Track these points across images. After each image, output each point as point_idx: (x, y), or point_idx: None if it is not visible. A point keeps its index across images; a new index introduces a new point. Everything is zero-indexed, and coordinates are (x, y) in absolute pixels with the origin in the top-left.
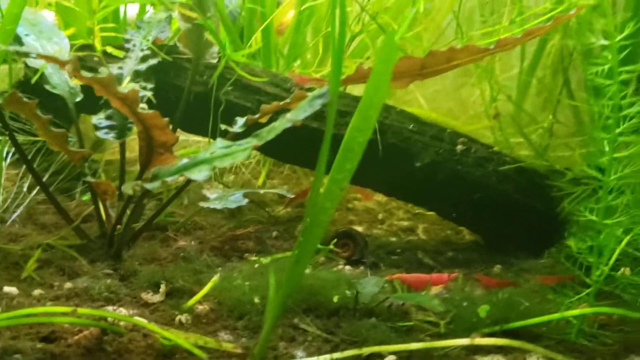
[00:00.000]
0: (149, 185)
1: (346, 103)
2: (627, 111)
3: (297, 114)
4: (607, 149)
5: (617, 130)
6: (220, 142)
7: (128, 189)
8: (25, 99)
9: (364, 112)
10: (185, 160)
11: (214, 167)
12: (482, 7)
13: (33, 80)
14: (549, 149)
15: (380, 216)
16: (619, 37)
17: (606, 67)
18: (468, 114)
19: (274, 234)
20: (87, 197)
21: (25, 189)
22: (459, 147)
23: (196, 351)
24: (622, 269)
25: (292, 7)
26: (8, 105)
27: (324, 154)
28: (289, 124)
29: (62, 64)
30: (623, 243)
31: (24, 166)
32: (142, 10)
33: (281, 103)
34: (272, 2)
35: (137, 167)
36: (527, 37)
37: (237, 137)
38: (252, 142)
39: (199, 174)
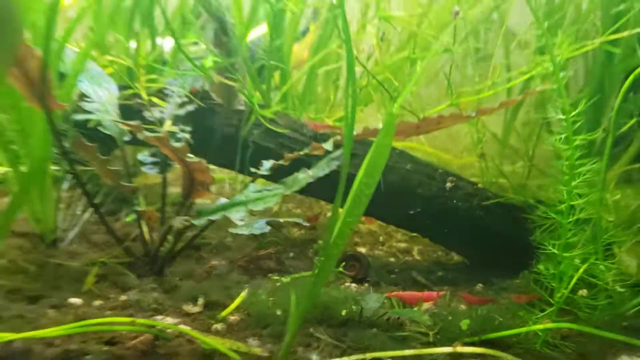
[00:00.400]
0: (195, 222)
1: (355, 147)
2: (580, 169)
3: (317, 172)
4: (565, 197)
5: (573, 184)
6: (252, 187)
7: (177, 222)
8: (87, 143)
9: (370, 171)
10: (223, 200)
11: (249, 209)
12: (474, 64)
13: (91, 125)
14: (531, 177)
15: (381, 238)
16: (573, 113)
17: (563, 136)
18: (459, 148)
19: (291, 254)
20: (130, 218)
21: (78, 211)
22: (448, 185)
23: (231, 354)
24: (580, 292)
25: (308, 47)
26: (73, 147)
27: (338, 199)
28: (310, 180)
29: (133, 127)
30: (580, 271)
31: (78, 190)
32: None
33: (301, 153)
34: (289, 49)
35: (171, 190)
36: (503, 105)
37: (263, 177)
38: (280, 189)
39: (236, 215)
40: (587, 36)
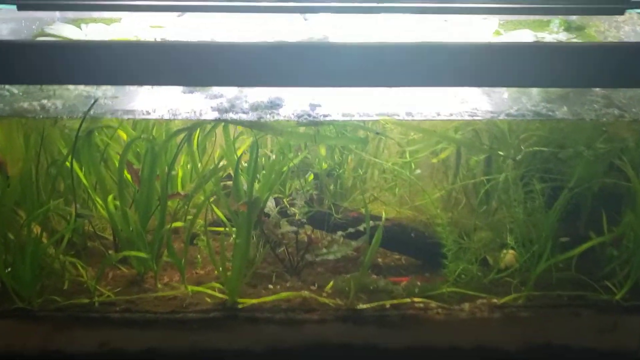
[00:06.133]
0: (320, 258)
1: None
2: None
3: (359, 241)
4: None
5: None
6: (335, 246)
7: (313, 258)
8: (271, 226)
9: (378, 236)
10: (325, 250)
11: (339, 253)
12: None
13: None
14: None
15: (387, 254)
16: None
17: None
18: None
19: (350, 265)
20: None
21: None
22: (413, 235)
23: (327, 301)
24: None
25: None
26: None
27: (370, 243)
28: (358, 244)
29: (281, 217)
30: (460, 268)
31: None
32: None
33: (351, 229)
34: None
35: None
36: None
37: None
38: (345, 248)
39: (334, 256)
40: None
